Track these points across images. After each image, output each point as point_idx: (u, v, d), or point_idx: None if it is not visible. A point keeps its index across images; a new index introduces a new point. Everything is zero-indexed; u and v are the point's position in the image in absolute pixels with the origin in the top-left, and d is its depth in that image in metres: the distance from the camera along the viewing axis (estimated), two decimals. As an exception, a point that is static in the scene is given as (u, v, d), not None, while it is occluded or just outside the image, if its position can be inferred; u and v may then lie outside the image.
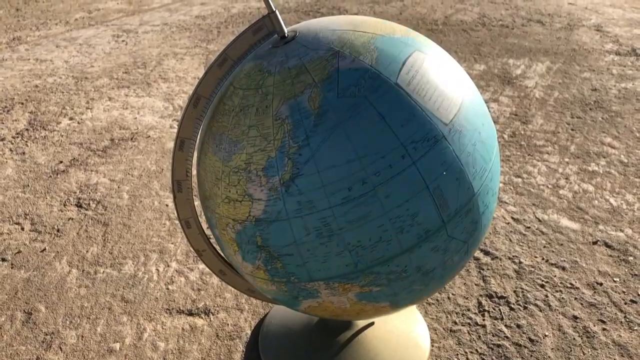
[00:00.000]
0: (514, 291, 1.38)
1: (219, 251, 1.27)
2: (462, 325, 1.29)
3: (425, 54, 0.83)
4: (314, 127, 0.74)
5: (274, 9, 0.85)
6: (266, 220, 0.78)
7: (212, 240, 1.59)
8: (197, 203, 1.85)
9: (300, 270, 0.80)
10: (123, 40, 3.72)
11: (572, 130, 2.17)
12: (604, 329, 1.26)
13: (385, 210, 0.74)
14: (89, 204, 1.87)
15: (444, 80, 0.81)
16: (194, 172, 1.90)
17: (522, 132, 2.17)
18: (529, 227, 1.61)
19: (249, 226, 0.80)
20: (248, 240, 0.82)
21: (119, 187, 1.96)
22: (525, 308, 1.33)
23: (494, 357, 1.20)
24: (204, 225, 1.68)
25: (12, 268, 1.57)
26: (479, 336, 1.26)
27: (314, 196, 0.74)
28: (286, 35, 0.86)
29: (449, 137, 0.77)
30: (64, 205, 1.87)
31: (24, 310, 1.42)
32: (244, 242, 0.83)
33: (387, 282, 0.80)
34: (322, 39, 0.82)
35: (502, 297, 1.36)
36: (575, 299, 1.35)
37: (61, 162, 2.16)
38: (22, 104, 2.73)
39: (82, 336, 1.33)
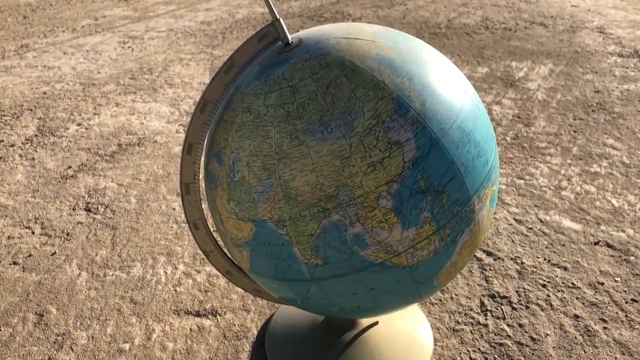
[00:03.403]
0: (516, 291, 1.40)
1: (226, 252, 1.30)
2: (465, 325, 1.31)
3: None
4: (403, 61, 0.87)
5: (278, 17, 0.88)
6: (422, 155, 0.82)
7: (219, 241, 1.62)
8: (204, 206, 1.88)
9: (461, 192, 0.86)
10: (129, 47, 3.77)
11: (575, 132, 2.18)
12: (605, 328, 1.28)
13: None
14: (97, 208, 1.90)
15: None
16: (201, 173, 1.93)
17: (525, 134, 2.19)
18: (531, 228, 1.63)
19: (408, 175, 0.82)
20: (410, 192, 0.82)
21: (126, 191, 1.99)
22: (527, 307, 1.35)
23: (496, 356, 1.22)
24: (211, 227, 1.71)
25: (23, 271, 1.61)
26: (482, 335, 1.28)
27: (446, 106, 0.86)
28: (290, 42, 0.89)
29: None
30: (73, 209, 1.90)
31: (36, 312, 1.45)
32: (405, 199, 0.83)
33: (497, 177, 0.96)
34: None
35: (504, 297, 1.38)
36: (577, 298, 1.37)
37: (70, 167, 2.19)
38: (31, 110, 2.78)
39: (93, 337, 1.36)
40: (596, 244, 1.55)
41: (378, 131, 0.80)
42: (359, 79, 0.83)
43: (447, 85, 0.88)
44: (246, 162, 0.87)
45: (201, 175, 1.92)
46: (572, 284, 1.41)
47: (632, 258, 1.48)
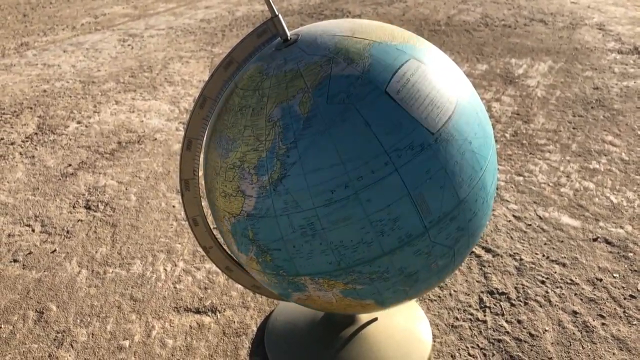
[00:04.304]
0: (515, 287, 1.40)
1: (225, 248, 1.30)
2: (464, 321, 1.32)
3: (420, 62, 0.83)
4: (302, 130, 0.77)
5: (277, 13, 0.88)
6: (256, 215, 0.83)
7: (219, 238, 1.62)
8: (204, 203, 1.88)
9: (287, 265, 0.85)
10: (129, 45, 3.77)
11: (574, 128, 2.18)
12: (603, 324, 1.28)
13: (367, 214, 0.76)
14: (97, 205, 1.90)
15: (436, 88, 0.81)
16: (201, 171, 1.93)
17: (524, 131, 2.19)
18: (529, 225, 1.63)
19: (242, 220, 0.85)
20: (241, 232, 0.87)
21: (126, 189, 2.00)
22: (525, 304, 1.35)
23: (494, 352, 1.23)
24: (211, 225, 1.71)
25: (23, 269, 1.61)
26: (480, 331, 1.28)
27: (299, 196, 0.77)
28: (289, 38, 0.89)
29: (435, 146, 0.77)
30: (73, 207, 1.91)
31: (36, 310, 1.45)
32: (238, 234, 0.88)
33: (370, 282, 0.83)
34: (320, 44, 0.84)
35: (503, 294, 1.39)
36: (575, 294, 1.37)
37: (70, 165, 2.20)
38: (31, 108, 2.78)
39: (93, 334, 1.36)
40: (595, 240, 1.55)
41: (236, 174, 0.83)
42: (257, 118, 0.81)
43: (339, 164, 0.75)
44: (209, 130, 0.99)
45: (201, 173, 1.92)
46: (571, 280, 1.42)
47: (630, 254, 1.49)
